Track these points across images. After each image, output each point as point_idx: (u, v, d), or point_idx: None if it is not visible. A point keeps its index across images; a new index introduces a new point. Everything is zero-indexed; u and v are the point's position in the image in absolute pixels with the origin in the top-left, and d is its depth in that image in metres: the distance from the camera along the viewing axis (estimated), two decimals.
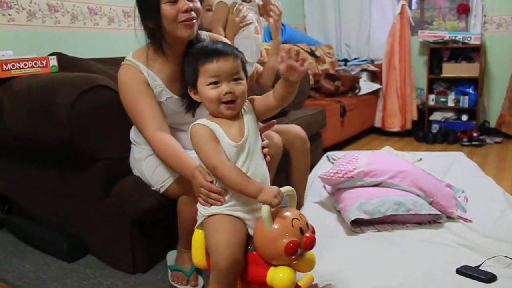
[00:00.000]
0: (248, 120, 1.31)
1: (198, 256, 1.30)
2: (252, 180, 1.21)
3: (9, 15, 2.30)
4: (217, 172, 1.22)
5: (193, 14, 1.48)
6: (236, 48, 1.32)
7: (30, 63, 1.90)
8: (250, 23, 2.08)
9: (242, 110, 1.32)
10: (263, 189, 1.17)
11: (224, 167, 1.20)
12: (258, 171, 1.28)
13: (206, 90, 1.26)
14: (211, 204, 1.25)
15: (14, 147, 2.08)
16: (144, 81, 1.52)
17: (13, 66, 1.85)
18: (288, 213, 1.18)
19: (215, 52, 1.26)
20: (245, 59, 1.33)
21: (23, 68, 1.88)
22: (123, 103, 1.54)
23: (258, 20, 2.12)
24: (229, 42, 1.71)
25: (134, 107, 1.51)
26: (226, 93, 1.24)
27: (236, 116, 1.29)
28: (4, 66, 1.83)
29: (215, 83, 1.25)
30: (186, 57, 1.40)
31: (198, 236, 1.29)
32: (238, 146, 1.25)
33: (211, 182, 1.26)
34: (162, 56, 1.55)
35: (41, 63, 1.94)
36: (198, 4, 1.52)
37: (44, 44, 2.42)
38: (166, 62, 1.56)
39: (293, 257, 1.14)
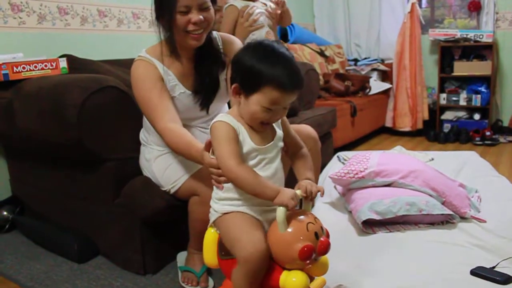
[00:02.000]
0: (278, 127, 1.29)
1: (209, 256, 1.29)
2: (268, 182, 1.18)
3: (20, 18, 2.32)
4: (231, 174, 1.17)
5: (203, 25, 1.50)
6: None
7: (40, 65, 1.92)
8: (261, 27, 2.08)
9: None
10: (280, 191, 1.15)
11: (239, 168, 1.16)
12: (278, 175, 1.27)
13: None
14: (223, 184, 1.23)
15: (25, 149, 2.09)
16: (158, 75, 1.53)
17: (24, 68, 1.87)
18: (303, 217, 1.16)
19: None
20: None
21: (33, 70, 1.90)
22: (136, 97, 1.54)
23: (269, 25, 2.13)
24: (240, 42, 1.71)
25: (148, 101, 1.51)
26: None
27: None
28: (15, 68, 1.84)
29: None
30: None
31: (210, 235, 1.28)
32: (260, 150, 1.22)
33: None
34: (175, 52, 1.56)
35: (51, 65, 1.95)
36: (211, 13, 1.52)
37: (54, 46, 2.44)
38: (179, 58, 1.57)
39: (308, 261, 1.11)
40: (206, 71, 1.59)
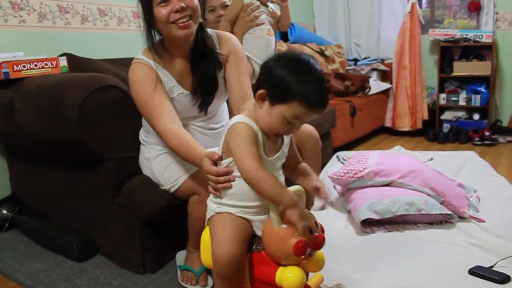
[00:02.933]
0: (286, 140, 1.28)
1: (207, 255, 1.29)
2: (286, 189, 1.15)
3: (20, 16, 2.32)
4: (251, 174, 1.15)
5: (187, 12, 1.46)
6: None
7: (41, 64, 1.92)
8: (261, 24, 2.09)
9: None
10: (296, 204, 1.13)
11: (260, 171, 1.14)
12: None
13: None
14: (221, 191, 1.22)
15: (25, 147, 2.10)
16: (155, 77, 1.52)
17: (24, 66, 1.87)
18: None
19: None
20: None
21: (33, 68, 1.90)
22: (135, 100, 1.54)
23: (271, 24, 2.13)
24: (236, 40, 1.71)
25: (147, 103, 1.50)
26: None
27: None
28: (15, 66, 1.85)
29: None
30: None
31: (207, 235, 1.29)
32: (269, 162, 1.22)
33: (220, 159, 1.24)
34: (169, 53, 1.56)
35: (52, 64, 1.96)
36: (194, 1, 1.48)
37: (54, 45, 2.44)
38: (175, 58, 1.57)
39: (302, 256, 1.12)
40: (202, 71, 1.58)
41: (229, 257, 1.14)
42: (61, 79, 1.75)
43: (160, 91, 1.52)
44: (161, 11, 1.45)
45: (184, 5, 1.45)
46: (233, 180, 1.22)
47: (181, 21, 1.46)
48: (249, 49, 2.02)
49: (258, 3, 2.09)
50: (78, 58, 2.16)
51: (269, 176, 1.15)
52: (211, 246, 1.20)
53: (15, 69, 1.85)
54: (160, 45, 1.56)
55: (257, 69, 2.00)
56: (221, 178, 1.22)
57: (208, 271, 1.65)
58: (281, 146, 1.26)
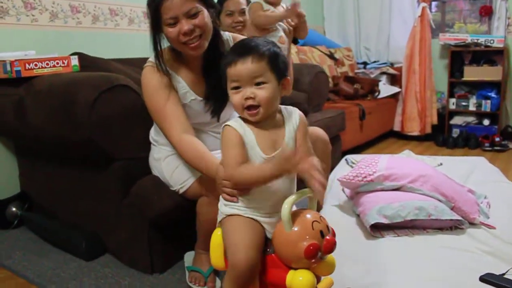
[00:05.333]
0: (290, 131, 1.24)
1: (216, 257, 1.29)
2: (266, 165, 1.16)
3: (33, 15, 2.34)
4: (232, 180, 1.19)
5: (196, 33, 1.43)
6: (267, 45, 1.19)
7: (52, 63, 1.93)
8: (275, 31, 2.11)
9: (284, 116, 1.25)
10: (277, 162, 1.12)
11: (239, 174, 1.16)
12: (286, 185, 1.23)
13: (231, 95, 1.21)
14: (236, 198, 1.22)
15: (36, 146, 2.11)
16: (168, 83, 1.50)
17: (36, 65, 1.88)
18: (308, 216, 1.16)
19: (234, 54, 1.19)
20: (281, 58, 1.20)
21: (45, 67, 1.91)
22: (147, 106, 1.53)
23: (286, 31, 2.14)
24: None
25: (160, 111, 1.49)
26: (246, 98, 1.16)
27: (271, 123, 1.22)
28: (27, 65, 1.86)
29: (237, 88, 1.19)
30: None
31: (216, 236, 1.28)
32: (270, 159, 1.19)
33: None
34: (182, 59, 1.55)
35: (63, 63, 1.97)
36: (202, 18, 1.44)
37: (65, 44, 2.45)
38: (187, 64, 1.56)
39: (313, 260, 1.11)
40: (215, 77, 1.53)
41: (249, 262, 1.13)
42: (73, 78, 1.76)
43: (173, 98, 1.50)
44: (170, 31, 1.43)
45: (192, 27, 1.42)
46: (248, 193, 1.21)
47: (191, 42, 1.44)
48: None
49: (273, 8, 2.11)
50: (89, 57, 2.17)
51: (249, 167, 1.16)
52: (227, 251, 1.18)
53: (26, 68, 1.86)
54: (172, 51, 1.54)
55: None
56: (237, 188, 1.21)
57: (216, 272, 1.64)
58: (285, 139, 1.22)
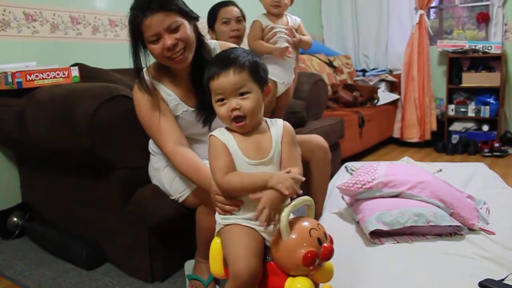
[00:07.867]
0: (276, 134, 1.26)
1: (216, 265, 1.30)
2: (256, 174, 1.18)
3: (34, 27, 2.36)
4: (220, 188, 1.22)
5: (179, 47, 1.45)
6: (247, 56, 1.22)
7: (53, 74, 1.95)
8: (275, 43, 2.14)
9: (269, 124, 1.28)
10: (272, 176, 1.15)
11: (225, 180, 1.19)
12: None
13: (217, 107, 1.23)
14: (229, 212, 1.25)
15: (36, 156, 2.12)
16: (158, 98, 1.53)
17: (37, 76, 1.90)
18: (306, 223, 1.17)
19: (216, 67, 1.21)
20: (261, 66, 1.24)
21: (46, 78, 1.92)
22: (140, 120, 1.55)
23: (290, 42, 2.17)
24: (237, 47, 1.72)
25: (152, 124, 1.52)
26: (232, 110, 1.19)
27: (256, 131, 1.24)
28: (28, 76, 1.87)
29: (221, 100, 1.21)
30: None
31: (216, 245, 1.29)
32: (257, 164, 1.21)
33: None
34: (170, 73, 1.56)
35: (63, 74, 1.98)
36: (185, 31, 1.45)
37: (66, 55, 2.47)
38: (176, 77, 1.57)
39: (311, 267, 1.12)
40: (204, 87, 1.58)
41: (250, 271, 1.14)
42: (73, 88, 1.77)
43: (164, 112, 1.52)
44: (154, 48, 1.45)
45: (175, 41, 1.43)
46: (242, 204, 1.23)
47: (175, 56, 1.46)
48: None
49: (273, 24, 2.15)
50: (90, 68, 2.19)
51: (235, 176, 1.19)
52: (228, 261, 1.19)
53: (28, 79, 1.87)
54: (159, 65, 1.56)
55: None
56: (229, 202, 1.24)
57: (216, 281, 1.65)
58: (272, 143, 1.24)
